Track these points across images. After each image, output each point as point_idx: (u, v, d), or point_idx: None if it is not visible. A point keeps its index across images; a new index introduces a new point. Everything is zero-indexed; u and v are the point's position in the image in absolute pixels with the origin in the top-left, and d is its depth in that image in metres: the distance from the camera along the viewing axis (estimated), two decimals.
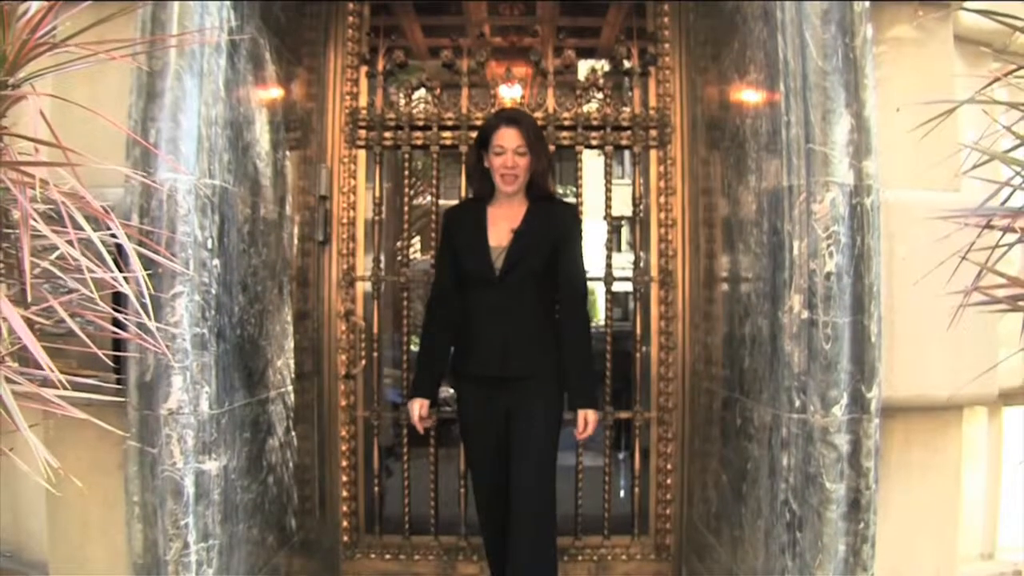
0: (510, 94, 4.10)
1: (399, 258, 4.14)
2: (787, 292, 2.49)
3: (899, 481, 2.62)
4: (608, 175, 3.97)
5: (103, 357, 1.90)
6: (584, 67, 4.48)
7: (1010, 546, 3.05)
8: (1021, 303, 1.77)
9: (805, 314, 2.44)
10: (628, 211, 4.02)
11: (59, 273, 1.61)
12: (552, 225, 3.12)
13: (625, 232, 8.27)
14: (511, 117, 3.14)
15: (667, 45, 3.88)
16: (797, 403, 2.46)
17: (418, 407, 3.19)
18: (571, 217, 3.29)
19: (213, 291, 2.43)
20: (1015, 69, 1.96)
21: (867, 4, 2.51)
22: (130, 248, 1.67)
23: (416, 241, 6.51)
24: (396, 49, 3.96)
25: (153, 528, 2.46)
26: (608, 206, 3.97)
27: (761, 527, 2.71)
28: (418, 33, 4.70)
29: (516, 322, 3.09)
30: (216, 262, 2.44)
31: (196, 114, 2.42)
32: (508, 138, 3.04)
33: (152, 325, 1.79)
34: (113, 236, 1.62)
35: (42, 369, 1.42)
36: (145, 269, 1.73)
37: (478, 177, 3.21)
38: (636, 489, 3.96)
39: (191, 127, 2.41)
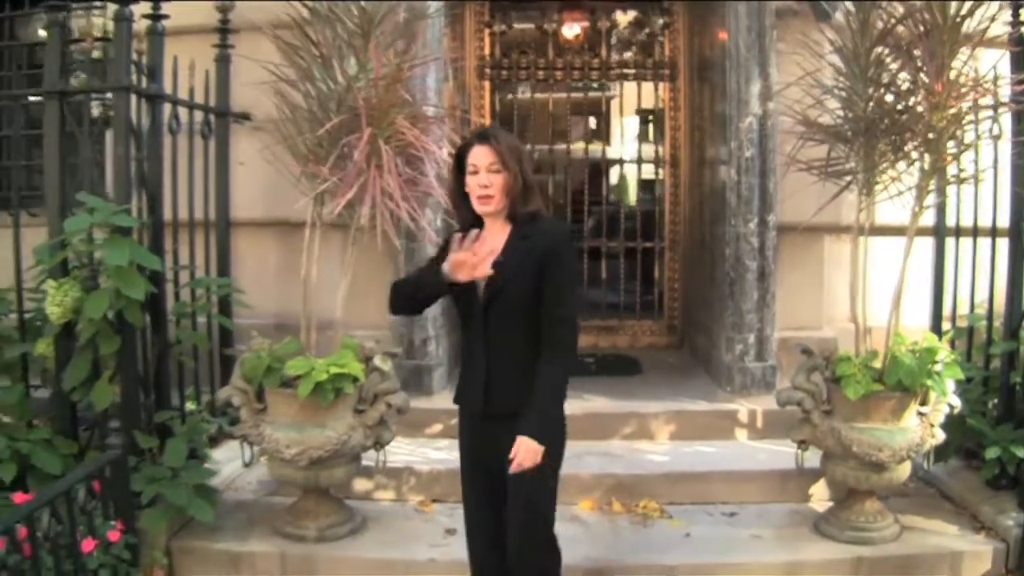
0: (573, 32, 6.51)
1: None
2: (727, 167, 4.90)
3: (788, 267, 5.02)
4: (639, 98, 6.38)
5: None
6: (625, 21, 6.79)
7: (870, 313, 4.62)
8: (814, 170, 4.14)
9: (736, 178, 4.84)
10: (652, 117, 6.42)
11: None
12: (535, 245, 2.77)
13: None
14: (483, 134, 2.85)
15: (676, 16, 6.21)
16: (733, 222, 4.88)
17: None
18: (559, 234, 2.90)
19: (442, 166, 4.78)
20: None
21: (775, 19, 4.80)
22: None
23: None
24: (506, 20, 6.36)
25: None
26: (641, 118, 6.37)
27: (716, 292, 5.18)
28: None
29: (500, 355, 2.82)
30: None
31: (434, 77, 4.85)
32: (480, 156, 2.76)
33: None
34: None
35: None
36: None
37: (459, 204, 2.91)
38: (656, 290, 6.52)
39: (432, 83, 4.84)
